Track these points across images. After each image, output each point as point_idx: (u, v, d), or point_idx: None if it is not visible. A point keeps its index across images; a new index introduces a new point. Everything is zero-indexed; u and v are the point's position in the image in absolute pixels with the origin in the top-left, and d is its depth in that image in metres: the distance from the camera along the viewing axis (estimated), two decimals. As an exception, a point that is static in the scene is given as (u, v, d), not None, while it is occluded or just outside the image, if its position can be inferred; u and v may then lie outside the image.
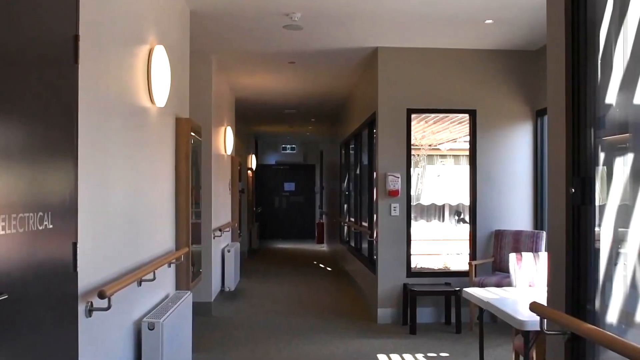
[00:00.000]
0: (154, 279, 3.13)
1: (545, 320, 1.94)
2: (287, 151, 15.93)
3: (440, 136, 9.19)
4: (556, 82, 2.16)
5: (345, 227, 9.23)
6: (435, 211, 11.13)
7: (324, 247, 13.67)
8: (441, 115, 6.23)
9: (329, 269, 10.05)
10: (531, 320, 2.54)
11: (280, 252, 12.91)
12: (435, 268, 8.36)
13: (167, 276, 3.78)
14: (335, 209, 11.12)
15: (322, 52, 6.09)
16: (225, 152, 7.34)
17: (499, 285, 5.41)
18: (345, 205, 9.47)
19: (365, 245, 7.33)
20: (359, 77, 7.24)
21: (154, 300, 3.40)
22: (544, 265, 4.22)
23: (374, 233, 6.08)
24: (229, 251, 6.97)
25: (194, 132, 4.35)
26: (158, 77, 3.41)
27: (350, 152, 8.72)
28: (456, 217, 11.83)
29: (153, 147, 3.50)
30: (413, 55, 5.88)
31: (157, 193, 3.59)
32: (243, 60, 6.52)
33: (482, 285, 5.50)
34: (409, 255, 5.88)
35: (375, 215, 6.14)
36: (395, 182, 5.81)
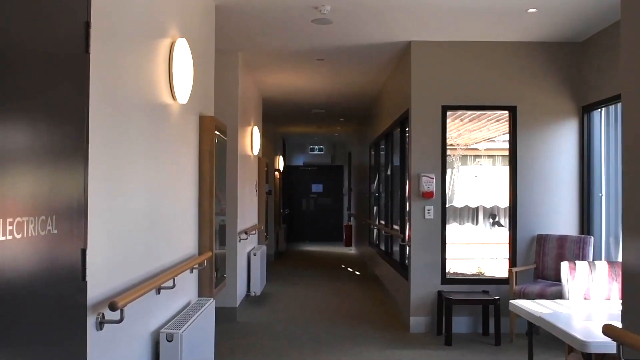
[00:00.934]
0: (174, 286, 2.92)
1: (622, 346, 1.63)
2: (315, 152, 15.71)
3: (474, 135, 8.81)
4: (633, 65, 1.84)
5: (375, 230, 8.94)
6: (469, 214, 10.70)
7: (352, 250, 13.39)
8: (478, 112, 5.89)
9: (357, 273, 9.77)
10: (596, 341, 2.22)
11: (308, 255, 12.69)
12: (469, 273, 8.01)
13: (188, 282, 3.57)
14: (364, 211, 10.84)
15: (352, 48, 5.83)
16: (252, 152, 7.15)
17: (542, 294, 5.05)
18: (375, 208, 9.17)
19: (396, 249, 7.03)
20: (390, 74, 6.95)
21: (173, 308, 3.20)
22: (601, 276, 3.86)
23: (407, 237, 5.78)
24: (254, 254, 6.77)
25: (218, 131, 4.15)
26: (180, 72, 3.21)
27: (381, 152, 8.43)
28: (490, 220, 11.40)
29: (175, 146, 3.30)
30: (448, 49, 5.56)
31: (179, 195, 3.39)
32: (270, 57, 6.32)
33: (523, 294, 5.15)
34: (444, 260, 5.56)
35: (407, 218, 5.84)
36: (429, 183, 5.50)
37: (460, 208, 10.79)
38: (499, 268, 8.41)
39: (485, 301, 5.30)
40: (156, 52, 2.94)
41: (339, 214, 15.76)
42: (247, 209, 6.76)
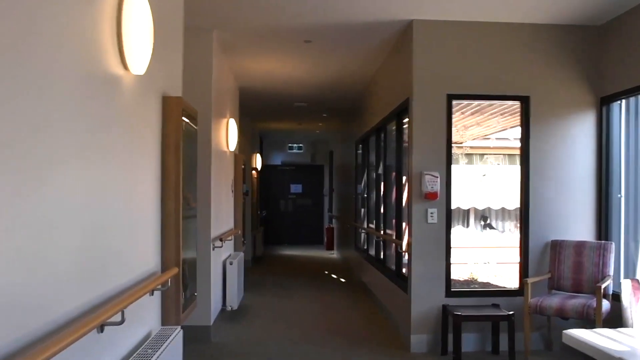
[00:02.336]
0: (122, 321, 2.14)
1: None
2: (294, 151, 14.95)
3: (472, 131, 8.17)
4: None
5: (363, 234, 8.24)
6: (459, 216, 10.12)
7: (334, 254, 12.67)
8: (484, 103, 5.24)
9: (342, 280, 9.05)
10: None
11: (287, 260, 11.91)
12: (461, 279, 7.39)
13: (148, 309, 2.79)
14: (348, 213, 10.12)
15: (344, 27, 5.10)
16: (228, 148, 6.36)
17: (562, 309, 4.42)
18: (363, 210, 8.47)
19: (389, 254, 6.33)
20: (386, 59, 6.25)
21: (125, 348, 2.41)
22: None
23: (405, 243, 5.08)
24: (231, 263, 5.98)
25: (187, 118, 3.37)
26: (134, 32, 2.43)
27: (370, 150, 7.73)
28: (482, 222, 10.83)
29: (129, 133, 2.51)
30: (455, 30, 4.89)
31: (134, 197, 2.60)
32: (251, 38, 5.53)
33: (540, 309, 4.51)
34: (448, 270, 4.88)
35: (406, 223, 5.14)
36: (433, 182, 4.81)
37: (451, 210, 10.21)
38: (506, 277, 7.83)
39: (497, 317, 4.64)
40: (100, 3, 2.16)
41: (320, 216, 15.03)
42: (223, 212, 5.97)
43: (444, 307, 4.75)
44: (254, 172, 10.77)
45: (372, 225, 7.55)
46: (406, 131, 5.53)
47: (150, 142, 2.86)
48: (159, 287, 2.80)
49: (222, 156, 5.98)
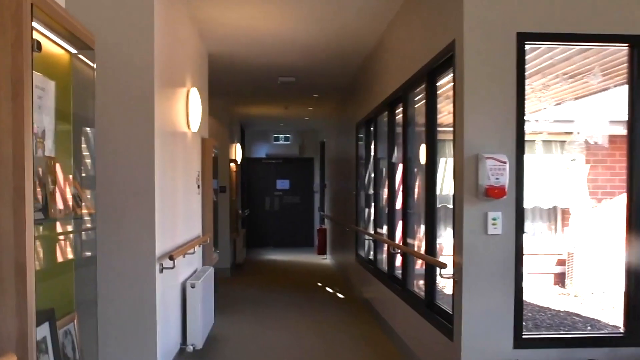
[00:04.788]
0: None
1: None
2: (280, 142, 13.18)
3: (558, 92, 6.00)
4: None
5: (368, 241, 6.51)
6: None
7: (327, 260, 10.96)
8: (573, 47, 3.56)
9: (340, 295, 7.34)
10: None
11: (273, 267, 10.16)
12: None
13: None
14: (345, 213, 8.40)
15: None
16: (189, 128, 4.59)
17: None
18: (367, 210, 6.75)
19: (411, 273, 4.61)
20: (405, 3, 4.53)
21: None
22: None
23: (449, 265, 3.36)
24: (193, 286, 4.22)
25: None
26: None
27: (378, 134, 6.00)
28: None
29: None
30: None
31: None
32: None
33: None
34: (519, 307, 3.19)
35: (454, 233, 3.43)
36: (498, 171, 3.11)
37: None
38: (553, 291, 6.10)
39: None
40: None
41: (309, 215, 13.29)
42: (179, 217, 4.20)
43: (515, 364, 3.06)
44: (232, 164, 8.99)
45: (382, 231, 5.84)
46: (443, 98, 3.82)
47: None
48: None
49: (178, 139, 4.21)
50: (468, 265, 3.16)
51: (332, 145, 10.46)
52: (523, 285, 3.21)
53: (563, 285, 6.88)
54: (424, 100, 4.05)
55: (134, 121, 3.34)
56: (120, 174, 3.32)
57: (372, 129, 6.35)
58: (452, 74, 3.40)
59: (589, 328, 4.91)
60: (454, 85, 3.38)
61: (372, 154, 6.34)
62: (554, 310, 5.57)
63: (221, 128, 8.71)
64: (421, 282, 4.36)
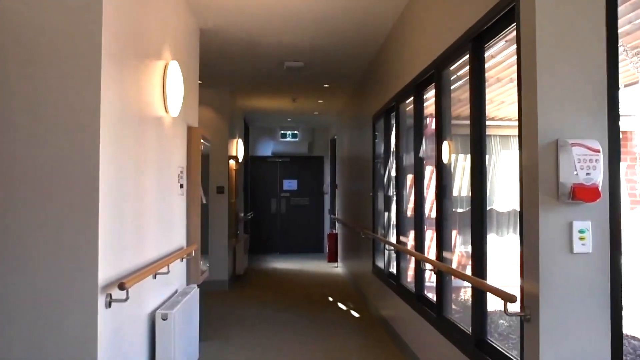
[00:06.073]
0: None
1: None
2: (288, 139, 12.24)
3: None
4: None
5: (387, 252, 5.55)
6: (511, 220, 7.45)
7: (338, 268, 10.01)
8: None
9: (355, 313, 6.38)
10: None
11: (278, 278, 9.22)
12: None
13: None
14: (360, 217, 7.44)
15: None
16: (167, 111, 3.66)
17: None
18: (386, 214, 5.78)
19: (446, 295, 3.64)
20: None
21: None
22: None
23: (520, 298, 2.39)
24: (164, 318, 3.28)
25: None
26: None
27: (400, 124, 5.03)
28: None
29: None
30: None
31: None
32: None
33: None
34: (618, 351, 2.23)
35: (521, 253, 2.47)
36: (590, 163, 2.15)
37: (502, 213, 7.56)
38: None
39: None
40: None
41: (319, 218, 12.35)
42: (153, 225, 3.28)
43: None
44: (231, 162, 8.08)
45: (406, 239, 4.89)
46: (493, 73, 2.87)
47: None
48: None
49: (149, 125, 3.28)
50: (546, 296, 2.21)
51: (345, 142, 9.51)
52: (623, 322, 2.25)
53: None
54: (462, 81, 3.10)
55: (67, 98, 2.42)
56: (42, 171, 2.40)
57: (392, 120, 5.40)
58: (503, 42, 2.46)
59: None
60: (517, 49, 2.43)
61: (393, 149, 5.38)
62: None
63: (220, 121, 7.81)
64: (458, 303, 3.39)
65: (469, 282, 2.97)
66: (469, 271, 3.09)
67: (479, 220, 2.96)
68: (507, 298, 2.31)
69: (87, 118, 2.41)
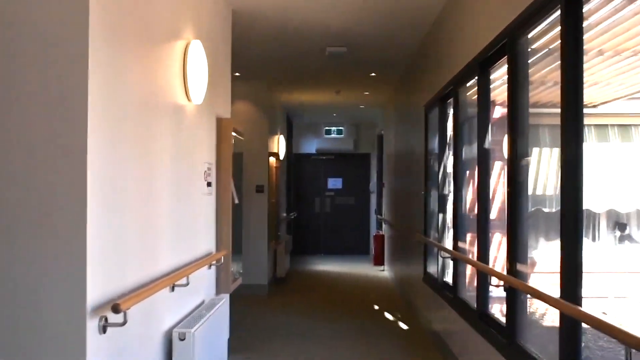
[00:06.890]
0: None
1: None
2: (332, 135, 11.70)
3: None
4: None
5: (442, 259, 4.90)
6: (588, 222, 6.59)
7: (384, 271, 9.39)
8: None
9: (403, 325, 5.76)
10: None
11: (322, 282, 8.69)
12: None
13: None
14: (409, 218, 6.80)
15: None
16: (189, 99, 3.18)
17: None
18: (440, 216, 5.12)
19: (525, 319, 2.98)
20: None
21: None
22: None
23: None
24: (182, 338, 2.79)
25: None
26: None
27: (460, 111, 4.37)
28: (617, 233, 7.27)
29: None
30: None
31: None
32: None
33: None
34: None
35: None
36: None
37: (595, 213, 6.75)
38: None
39: None
40: None
41: (365, 219, 11.75)
42: (168, 230, 2.80)
43: None
44: (271, 159, 7.61)
45: (465, 245, 4.23)
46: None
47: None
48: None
49: (164, 114, 2.80)
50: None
51: (392, 138, 8.86)
52: None
53: None
54: (547, 49, 2.43)
55: (48, 87, 1.95)
56: (20, 173, 1.94)
57: (448, 108, 4.74)
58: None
59: None
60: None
61: (449, 141, 4.72)
62: None
63: (258, 116, 7.34)
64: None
65: (562, 310, 2.31)
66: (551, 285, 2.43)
67: (571, 228, 2.30)
68: (634, 344, 1.64)
69: (73, 109, 1.93)
